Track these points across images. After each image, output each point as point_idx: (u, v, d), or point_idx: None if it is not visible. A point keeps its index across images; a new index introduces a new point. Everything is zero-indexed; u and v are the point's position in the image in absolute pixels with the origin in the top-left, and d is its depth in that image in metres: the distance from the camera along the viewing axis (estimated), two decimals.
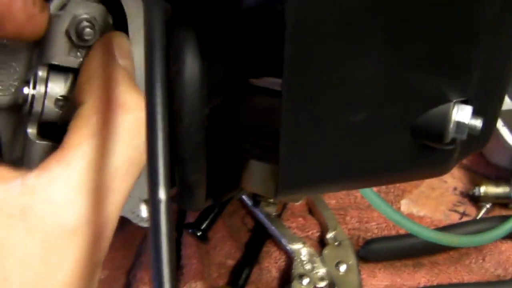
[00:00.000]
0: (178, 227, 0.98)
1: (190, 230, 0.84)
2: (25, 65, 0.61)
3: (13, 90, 0.62)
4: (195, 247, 0.94)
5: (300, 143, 0.51)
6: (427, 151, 0.55)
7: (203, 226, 0.84)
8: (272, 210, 0.71)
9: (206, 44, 0.52)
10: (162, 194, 0.38)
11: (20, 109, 0.64)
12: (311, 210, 1.01)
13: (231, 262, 0.97)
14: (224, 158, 0.64)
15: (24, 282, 0.36)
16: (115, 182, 0.42)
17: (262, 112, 0.58)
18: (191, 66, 0.52)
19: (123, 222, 0.97)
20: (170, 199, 0.38)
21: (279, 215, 0.97)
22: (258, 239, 0.96)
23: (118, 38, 0.52)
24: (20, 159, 0.66)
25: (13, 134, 0.67)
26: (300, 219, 0.99)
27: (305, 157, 0.52)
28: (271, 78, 0.58)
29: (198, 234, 0.84)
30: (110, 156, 0.42)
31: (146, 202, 0.62)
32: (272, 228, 0.95)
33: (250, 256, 0.95)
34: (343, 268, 0.94)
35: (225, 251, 0.96)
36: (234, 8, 0.55)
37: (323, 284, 0.93)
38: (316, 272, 0.94)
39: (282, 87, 0.48)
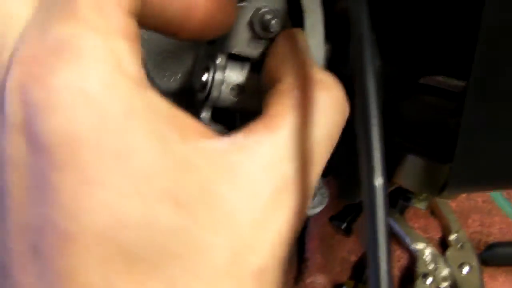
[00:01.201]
0: None
1: (334, 222, 0.86)
2: (190, 53, 0.65)
3: (178, 77, 0.66)
4: (318, 241, 0.96)
5: (477, 142, 0.52)
6: None
7: (348, 218, 0.86)
8: (423, 206, 0.73)
9: (383, 43, 0.54)
10: (379, 180, 0.38)
11: (181, 96, 0.67)
12: (434, 212, 1.01)
13: (353, 258, 0.98)
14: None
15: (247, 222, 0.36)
16: (315, 154, 0.42)
17: (429, 110, 0.60)
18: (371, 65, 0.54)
19: None
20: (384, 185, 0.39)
21: (401, 214, 0.98)
22: None
23: (300, 35, 0.54)
24: None
25: None
26: (422, 220, 1.00)
27: (480, 156, 0.53)
28: (438, 77, 0.60)
29: (343, 226, 0.86)
30: (312, 128, 0.42)
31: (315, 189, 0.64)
32: (396, 227, 0.96)
33: None
34: (466, 269, 0.94)
35: (348, 247, 0.98)
36: (408, 7, 0.57)
37: (445, 284, 0.93)
38: (439, 272, 0.94)
39: (468, 86, 0.49)
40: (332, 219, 0.87)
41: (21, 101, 0.34)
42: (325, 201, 0.65)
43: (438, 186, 0.61)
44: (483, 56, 0.47)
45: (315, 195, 0.64)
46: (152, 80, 0.65)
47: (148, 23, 0.41)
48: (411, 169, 0.64)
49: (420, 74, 0.59)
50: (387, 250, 0.38)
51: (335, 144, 0.45)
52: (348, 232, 0.87)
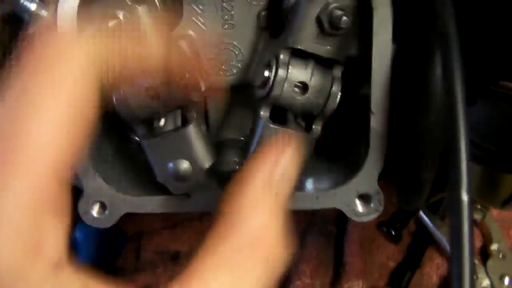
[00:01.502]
0: (338, 223, 0.98)
1: (384, 229, 0.84)
2: (250, 46, 0.62)
3: (235, 71, 0.64)
4: (359, 246, 0.94)
5: None
6: None
7: (398, 225, 0.83)
8: (479, 216, 0.70)
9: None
10: (464, 195, 0.37)
11: (235, 91, 0.65)
12: (475, 221, 0.99)
13: (392, 264, 0.96)
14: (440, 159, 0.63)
15: None
16: None
17: (499, 116, 0.57)
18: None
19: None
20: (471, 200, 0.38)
21: (442, 219, 0.95)
22: (421, 243, 0.95)
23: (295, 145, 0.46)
24: (237, 142, 0.67)
25: (223, 115, 0.69)
26: None
27: None
28: (507, 83, 0.57)
29: (393, 233, 0.84)
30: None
31: (362, 197, 0.62)
32: (437, 233, 0.94)
33: (412, 259, 0.94)
34: (507, 281, 0.92)
35: (387, 253, 0.95)
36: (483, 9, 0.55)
37: None
38: (480, 283, 0.92)
39: None
40: (380, 225, 0.84)
41: None
42: (381, 208, 0.62)
43: (500, 197, 0.58)
44: None
45: (371, 200, 0.62)
46: (207, 74, 0.63)
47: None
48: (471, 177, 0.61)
49: (493, 79, 0.57)
50: (471, 267, 0.36)
51: None
52: (397, 239, 0.85)
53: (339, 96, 0.57)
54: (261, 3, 0.61)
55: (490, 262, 0.94)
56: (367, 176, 0.60)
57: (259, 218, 0.42)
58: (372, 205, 0.62)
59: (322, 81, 0.57)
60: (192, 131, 0.58)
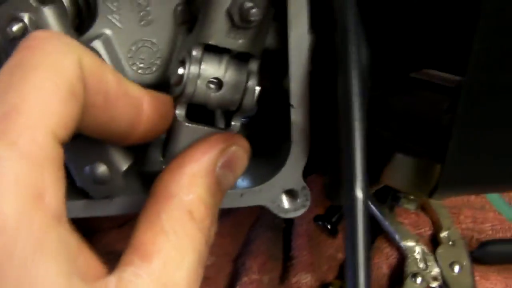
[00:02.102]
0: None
1: (319, 223, 0.82)
2: (168, 43, 0.61)
3: (154, 69, 0.62)
4: (306, 238, 0.93)
5: (471, 142, 0.49)
6: None
7: (334, 219, 0.82)
8: (413, 207, 0.69)
9: (373, 32, 0.50)
10: (359, 192, 0.36)
11: (161, 89, 0.63)
12: (424, 207, 0.98)
13: (341, 256, 0.95)
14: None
15: None
16: (189, 282, 0.43)
17: (421, 106, 0.56)
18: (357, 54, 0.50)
19: (229, 209, 0.96)
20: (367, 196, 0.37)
21: (391, 210, 0.94)
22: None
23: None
24: (162, 141, 0.65)
25: None
26: (413, 215, 0.96)
27: (473, 156, 0.50)
28: (431, 71, 0.56)
29: (328, 227, 0.83)
30: (184, 258, 0.44)
31: (288, 193, 0.61)
32: (386, 223, 0.93)
33: None
34: (457, 268, 0.91)
35: (335, 245, 0.94)
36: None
37: (436, 284, 0.90)
38: (430, 271, 0.91)
39: (463, 82, 0.45)
40: (316, 219, 0.83)
41: None
42: (308, 203, 0.61)
43: (428, 187, 0.57)
44: (481, 50, 0.43)
45: (297, 196, 0.61)
46: (124, 72, 0.61)
47: (90, 132, 0.45)
48: (400, 168, 0.60)
49: (413, 67, 0.56)
50: (366, 267, 0.35)
51: (202, 272, 0.46)
52: (333, 233, 0.84)
53: (256, 91, 0.56)
54: None
55: (439, 250, 0.93)
56: (292, 171, 0.59)
57: (197, 192, 0.47)
58: (298, 200, 0.61)
59: (237, 76, 0.55)
60: None
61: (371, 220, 0.93)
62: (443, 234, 0.95)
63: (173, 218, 0.45)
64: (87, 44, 0.59)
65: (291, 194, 0.61)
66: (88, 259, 0.41)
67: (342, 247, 0.95)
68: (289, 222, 0.95)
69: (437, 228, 0.96)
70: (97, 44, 0.59)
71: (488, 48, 0.42)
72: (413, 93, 0.56)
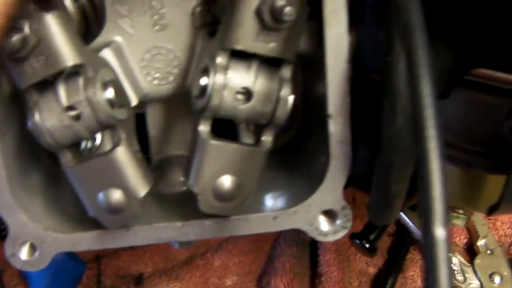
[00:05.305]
0: None
1: (357, 242, 0.76)
2: (186, 49, 0.54)
3: (172, 79, 0.55)
4: (335, 254, 0.86)
5: None
6: None
7: (372, 237, 0.75)
8: (462, 223, 0.62)
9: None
10: (439, 230, 0.30)
11: (175, 102, 0.57)
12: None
13: (372, 270, 0.88)
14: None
15: None
16: None
17: (475, 111, 0.50)
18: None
19: None
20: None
21: None
22: (402, 245, 0.88)
23: None
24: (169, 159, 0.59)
25: (164, 130, 0.60)
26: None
27: None
28: (486, 71, 0.50)
29: (367, 246, 0.76)
30: None
31: (326, 213, 0.54)
32: (418, 233, 0.86)
33: (394, 263, 0.86)
34: (498, 279, 0.85)
35: (366, 258, 0.88)
36: None
37: None
38: (469, 284, 0.85)
39: None
40: (353, 237, 0.76)
41: None
42: (349, 224, 0.54)
43: (488, 202, 0.51)
44: None
45: (337, 217, 0.53)
46: (138, 84, 0.55)
47: None
48: (449, 180, 0.54)
49: (466, 67, 0.49)
50: None
51: None
52: (372, 252, 0.77)
53: (290, 100, 0.49)
54: None
55: (477, 260, 0.87)
56: (331, 189, 0.52)
57: None
58: (338, 221, 0.54)
59: (269, 85, 0.48)
60: (122, 154, 0.49)
61: (402, 229, 0.86)
62: (480, 242, 0.88)
63: None
64: (96, 53, 0.52)
65: (330, 215, 0.54)
66: None
67: (373, 260, 0.89)
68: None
69: (473, 236, 0.90)
70: (107, 54, 0.52)
71: None
72: (468, 97, 0.49)
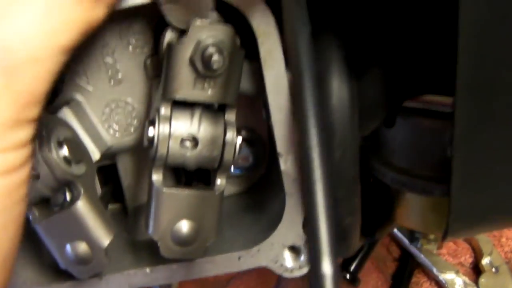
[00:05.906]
0: None
1: None
2: (143, 100, 0.56)
3: (132, 130, 0.57)
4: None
5: (476, 173, 0.43)
6: None
7: (352, 267, 0.75)
8: (433, 248, 0.62)
9: (356, 62, 0.45)
10: (327, 267, 0.31)
11: (142, 151, 0.58)
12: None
13: None
14: (374, 192, 0.56)
15: None
16: None
17: (422, 137, 0.50)
18: (338, 90, 0.44)
19: None
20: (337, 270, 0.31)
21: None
22: (406, 269, 0.87)
23: None
24: (143, 206, 0.60)
25: (136, 178, 0.62)
26: (451, 244, 0.89)
27: (481, 188, 0.43)
28: (427, 96, 0.50)
29: (347, 277, 0.76)
30: None
31: (290, 249, 0.55)
32: (421, 256, 0.86)
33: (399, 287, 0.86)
34: None
35: (372, 283, 0.88)
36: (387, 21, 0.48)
37: None
38: None
39: (455, 106, 0.39)
40: None
41: None
42: None
43: (443, 225, 0.51)
44: (467, 66, 0.37)
45: (300, 251, 0.54)
46: (101, 137, 0.57)
47: None
48: (412, 207, 0.54)
49: (407, 95, 0.50)
50: None
51: None
52: (354, 282, 0.77)
53: (237, 143, 0.50)
54: (145, 50, 0.54)
55: (482, 279, 0.86)
56: (290, 226, 0.53)
57: None
58: (302, 257, 0.54)
59: (213, 130, 0.50)
60: (81, 208, 0.51)
61: (405, 253, 0.86)
62: (485, 260, 0.88)
63: None
64: (55, 112, 0.54)
65: (294, 250, 0.55)
66: None
67: (379, 285, 0.88)
68: None
69: (477, 254, 0.89)
70: (66, 112, 0.54)
71: (474, 64, 0.37)
72: (413, 124, 0.50)
